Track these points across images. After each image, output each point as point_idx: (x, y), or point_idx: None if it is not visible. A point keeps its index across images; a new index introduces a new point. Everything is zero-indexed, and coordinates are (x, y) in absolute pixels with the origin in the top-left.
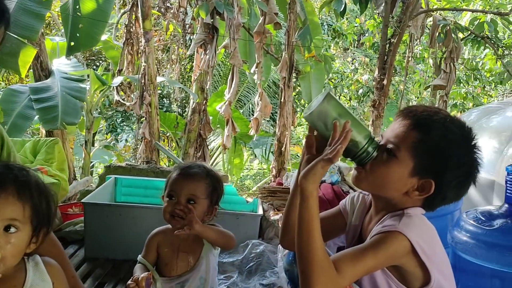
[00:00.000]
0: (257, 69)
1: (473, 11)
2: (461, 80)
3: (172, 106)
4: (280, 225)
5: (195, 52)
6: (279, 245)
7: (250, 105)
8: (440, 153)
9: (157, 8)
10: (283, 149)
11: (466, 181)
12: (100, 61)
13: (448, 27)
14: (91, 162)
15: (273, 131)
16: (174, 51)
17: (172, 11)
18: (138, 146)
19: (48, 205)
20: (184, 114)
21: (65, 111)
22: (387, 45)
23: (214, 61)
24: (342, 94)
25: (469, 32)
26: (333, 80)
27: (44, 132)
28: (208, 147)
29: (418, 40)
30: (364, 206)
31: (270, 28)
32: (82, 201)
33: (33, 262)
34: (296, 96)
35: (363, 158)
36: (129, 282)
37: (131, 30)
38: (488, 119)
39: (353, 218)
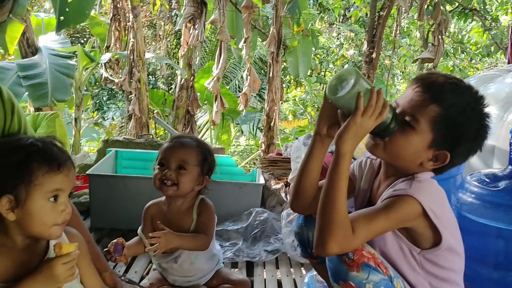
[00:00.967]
0: (245, 44)
1: None
2: (448, 53)
3: (158, 83)
4: (290, 190)
5: (183, 27)
6: (282, 212)
7: (237, 82)
8: (459, 127)
9: None
10: (272, 124)
11: (477, 149)
12: (85, 39)
13: (436, 0)
14: (80, 140)
15: (260, 107)
16: (161, 27)
17: None
18: (126, 124)
19: None
20: (170, 91)
21: (55, 88)
22: (376, 18)
23: (203, 36)
24: (327, 70)
25: (457, 4)
26: (318, 56)
27: (32, 110)
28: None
29: (406, 13)
30: (372, 171)
31: (257, 2)
32: (87, 172)
33: None
34: (282, 72)
35: (384, 132)
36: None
37: (118, 5)
38: (485, 87)
39: (362, 183)
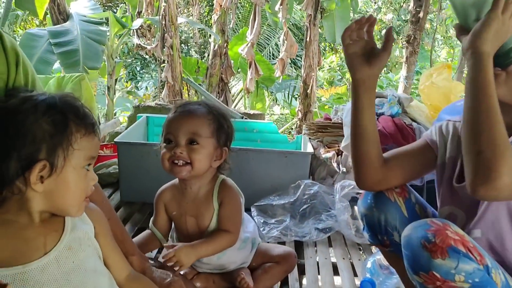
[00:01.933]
0: (281, 6)
1: None
2: None
3: (191, 51)
4: (352, 163)
5: None
6: (335, 184)
7: (270, 48)
8: None
9: None
10: (309, 91)
11: None
12: (117, 7)
13: None
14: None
15: (295, 74)
16: None
17: None
18: (159, 91)
19: None
20: (203, 60)
21: (86, 55)
22: None
23: None
24: None
25: None
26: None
27: None
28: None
29: None
30: (459, 137)
31: None
32: (115, 140)
33: None
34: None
35: (508, 56)
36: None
37: None
38: None
39: (448, 151)
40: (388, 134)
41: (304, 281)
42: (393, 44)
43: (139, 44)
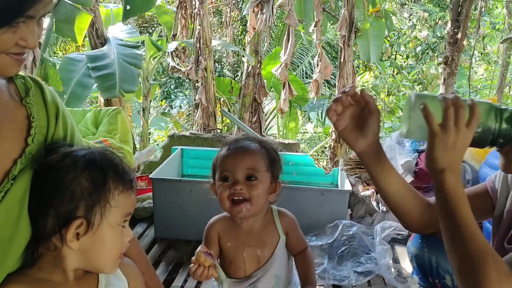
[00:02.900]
0: (315, 27)
1: None
2: None
3: (224, 70)
4: (388, 207)
5: (250, 12)
6: (376, 226)
7: (303, 67)
8: None
9: None
10: None
11: None
12: (153, 28)
13: None
14: (148, 129)
15: (329, 94)
16: (227, 14)
17: None
18: (193, 112)
19: None
20: (236, 79)
21: (123, 79)
22: None
23: (272, 20)
24: (398, 53)
25: None
26: (389, 38)
27: (102, 100)
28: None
29: None
30: None
31: None
32: (150, 176)
33: None
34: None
35: (501, 139)
36: (190, 265)
37: None
38: None
39: (509, 202)
40: (427, 173)
41: None
42: (428, 61)
43: (174, 66)
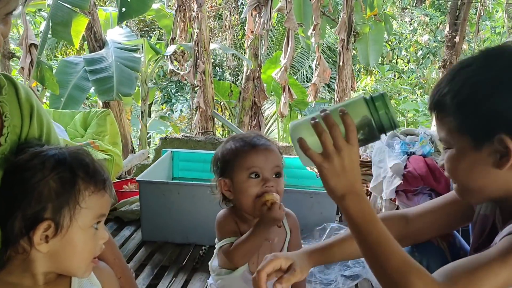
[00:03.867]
0: (314, 31)
1: None
2: None
3: (225, 74)
4: (378, 204)
5: (248, 16)
6: None
7: (304, 71)
8: (475, 101)
9: None
10: None
11: None
12: (154, 31)
13: None
14: (148, 133)
15: (329, 97)
16: (227, 18)
17: None
18: (193, 116)
19: None
20: (237, 83)
21: (120, 82)
22: None
23: (270, 24)
24: (399, 57)
25: None
26: (390, 42)
27: (101, 104)
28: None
29: None
30: None
31: None
32: (136, 179)
33: None
34: (352, 60)
35: (387, 125)
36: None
37: None
38: None
39: (483, 206)
40: (418, 175)
41: None
42: (429, 65)
43: (172, 69)
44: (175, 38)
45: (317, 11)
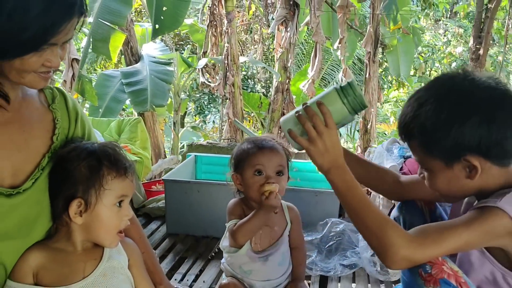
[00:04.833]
0: (340, 44)
1: None
2: None
3: (256, 86)
4: (377, 202)
5: (276, 30)
6: None
7: (335, 83)
8: (438, 133)
9: None
10: (368, 126)
11: (494, 122)
12: (188, 45)
13: None
14: (180, 142)
15: None
16: (257, 31)
17: None
18: (222, 126)
19: None
20: (268, 94)
21: (154, 94)
22: (484, 12)
23: (296, 38)
24: (433, 69)
25: None
26: (423, 54)
27: (136, 114)
28: None
29: None
30: None
31: (353, 1)
32: (162, 178)
33: None
34: (383, 72)
35: (357, 107)
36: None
37: (215, 12)
38: None
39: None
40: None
41: None
42: None
43: (204, 82)
44: (206, 52)
45: (342, 25)
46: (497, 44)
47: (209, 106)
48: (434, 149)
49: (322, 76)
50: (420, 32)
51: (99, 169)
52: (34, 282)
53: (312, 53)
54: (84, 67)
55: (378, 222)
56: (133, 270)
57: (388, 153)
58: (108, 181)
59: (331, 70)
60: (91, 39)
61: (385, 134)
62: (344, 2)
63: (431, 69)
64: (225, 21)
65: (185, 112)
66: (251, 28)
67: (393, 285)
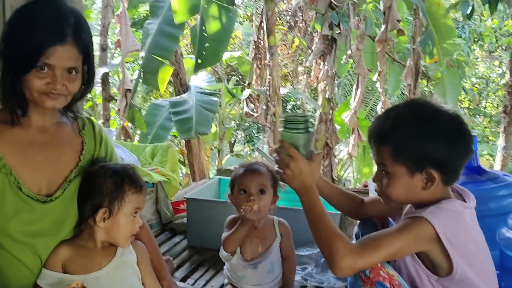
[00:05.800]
0: (379, 77)
1: None
2: None
3: None
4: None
5: (314, 63)
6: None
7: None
8: (413, 144)
9: (287, 24)
10: None
11: (454, 144)
12: (240, 76)
13: None
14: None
15: None
16: (302, 63)
17: (297, 25)
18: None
19: None
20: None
21: (198, 122)
22: None
23: (333, 71)
24: (488, 101)
25: None
26: (477, 86)
27: (183, 141)
28: (339, 155)
29: None
30: None
31: (393, 35)
32: (184, 196)
33: None
34: None
35: (302, 130)
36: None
37: (260, 45)
38: None
39: (408, 207)
40: None
41: None
42: None
43: (247, 111)
44: (251, 83)
45: (382, 58)
46: None
47: (257, 135)
48: (404, 156)
49: (370, 107)
50: (464, 64)
51: (122, 185)
52: (62, 271)
53: (355, 85)
54: (139, 97)
55: (329, 235)
56: (140, 266)
57: None
58: (128, 195)
59: (378, 99)
60: (141, 72)
61: None
62: (383, 36)
63: (486, 101)
64: (267, 55)
65: (234, 140)
66: (298, 60)
67: None
